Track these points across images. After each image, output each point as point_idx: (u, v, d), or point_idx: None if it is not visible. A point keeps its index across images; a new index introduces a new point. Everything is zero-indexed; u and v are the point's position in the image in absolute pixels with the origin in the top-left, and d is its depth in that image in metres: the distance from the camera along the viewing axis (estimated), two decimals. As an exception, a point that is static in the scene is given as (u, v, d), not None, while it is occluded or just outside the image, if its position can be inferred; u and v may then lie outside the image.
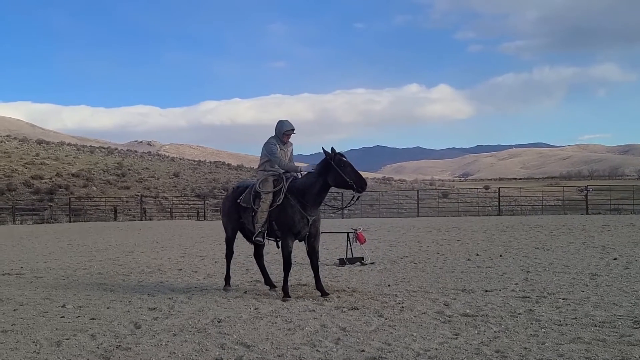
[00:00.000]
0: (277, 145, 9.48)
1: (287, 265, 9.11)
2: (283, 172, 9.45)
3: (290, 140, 9.73)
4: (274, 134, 9.61)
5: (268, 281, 10.03)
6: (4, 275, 12.48)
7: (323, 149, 9.11)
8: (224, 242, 10.43)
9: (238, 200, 9.72)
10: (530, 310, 7.76)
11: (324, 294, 9.03)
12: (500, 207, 38.16)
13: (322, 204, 9.48)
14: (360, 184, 8.92)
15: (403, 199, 54.56)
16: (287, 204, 9.07)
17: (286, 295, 8.95)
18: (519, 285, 9.71)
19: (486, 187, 72.40)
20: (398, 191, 62.35)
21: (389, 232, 21.87)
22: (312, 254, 9.27)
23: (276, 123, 9.66)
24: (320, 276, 9.35)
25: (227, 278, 10.12)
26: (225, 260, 10.37)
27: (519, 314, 7.55)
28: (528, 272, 11.10)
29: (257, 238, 9.39)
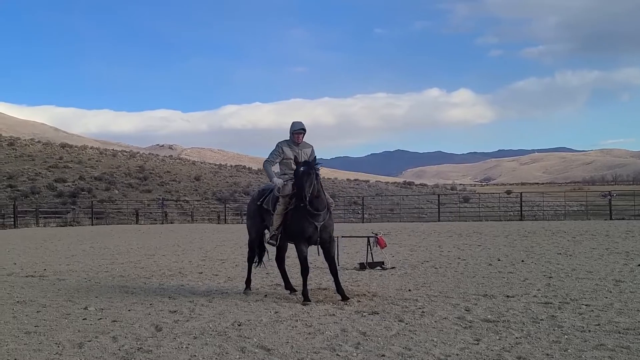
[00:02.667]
0: (284, 148, 9.64)
1: (304, 269, 9.11)
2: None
3: (307, 141, 9.81)
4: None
5: (288, 285, 10.04)
6: (27, 277, 12.62)
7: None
8: (247, 245, 10.47)
9: (258, 203, 9.79)
10: (553, 316, 7.68)
11: (344, 298, 9.02)
12: (522, 212, 37.86)
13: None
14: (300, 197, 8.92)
15: (424, 204, 54.45)
16: (296, 208, 9.09)
17: (306, 299, 8.95)
18: (541, 291, 9.61)
19: (508, 192, 71.92)
20: (419, 196, 62.13)
21: (410, 237, 21.81)
22: (329, 259, 9.30)
23: None
24: (340, 280, 9.35)
25: (248, 281, 10.15)
26: (247, 263, 10.39)
27: (541, 320, 7.48)
28: (550, 277, 10.99)
29: (270, 241, 9.45)
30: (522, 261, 13.52)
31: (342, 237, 15.07)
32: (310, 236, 9.10)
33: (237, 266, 13.59)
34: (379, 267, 12.87)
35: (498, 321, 7.44)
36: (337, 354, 6.09)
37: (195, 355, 6.13)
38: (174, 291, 10.34)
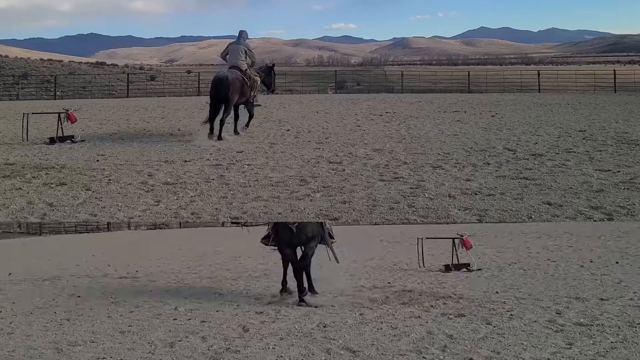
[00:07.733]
0: None
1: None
2: None
3: None
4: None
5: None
6: (120, 278, 13.09)
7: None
8: None
9: None
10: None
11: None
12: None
13: None
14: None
15: (114, 82, 57.44)
16: None
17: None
18: (638, 294, 9.21)
19: (188, 72, 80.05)
20: (110, 74, 67.54)
21: (100, 112, 21.29)
22: None
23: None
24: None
25: None
26: None
27: (638, 324, 7.16)
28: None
29: None
30: (617, 262, 12.97)
31: (427, 238, 14.73)
32: None
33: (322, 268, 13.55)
34: (464, 269, 12.70)
35: (591, 325, 7.17)
36: (424, 357, 6.02)
37: (281, 356, 6.18)
38: (260, 292, 10.48)
